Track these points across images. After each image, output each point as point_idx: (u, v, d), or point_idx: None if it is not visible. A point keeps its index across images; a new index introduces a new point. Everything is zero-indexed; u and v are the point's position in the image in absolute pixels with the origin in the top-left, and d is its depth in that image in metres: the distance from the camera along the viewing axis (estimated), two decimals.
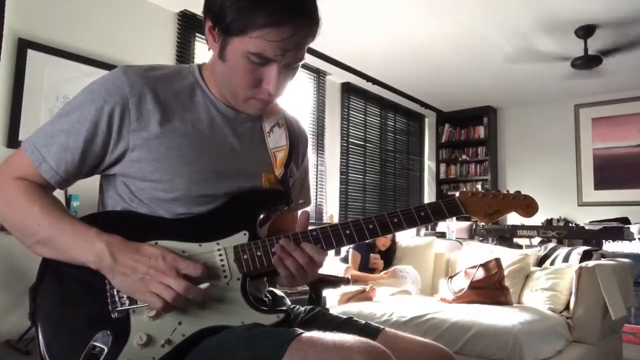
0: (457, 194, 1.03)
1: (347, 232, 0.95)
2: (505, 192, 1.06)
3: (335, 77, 5.36)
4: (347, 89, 5.58)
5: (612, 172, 5.71)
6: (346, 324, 1.03)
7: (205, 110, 0.98)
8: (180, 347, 0.84)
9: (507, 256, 2.90)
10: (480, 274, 2.66)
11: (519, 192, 1.06)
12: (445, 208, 0.99)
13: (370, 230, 0.96)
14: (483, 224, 4.02)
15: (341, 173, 5.45)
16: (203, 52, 4.06)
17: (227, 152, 0.98)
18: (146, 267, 0.82)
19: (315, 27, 0.91)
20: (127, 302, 0.85)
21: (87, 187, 1.29)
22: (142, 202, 0.93)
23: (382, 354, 0.76)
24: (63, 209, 0.90)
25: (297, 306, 1.11)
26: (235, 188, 0.97)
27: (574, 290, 2.51)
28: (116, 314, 0.84)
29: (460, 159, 6.66)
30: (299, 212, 1.18)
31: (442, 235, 5.22)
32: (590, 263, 2.54)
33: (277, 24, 0.84)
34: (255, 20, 0.84)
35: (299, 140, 1.14)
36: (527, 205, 1.04)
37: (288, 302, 1.11)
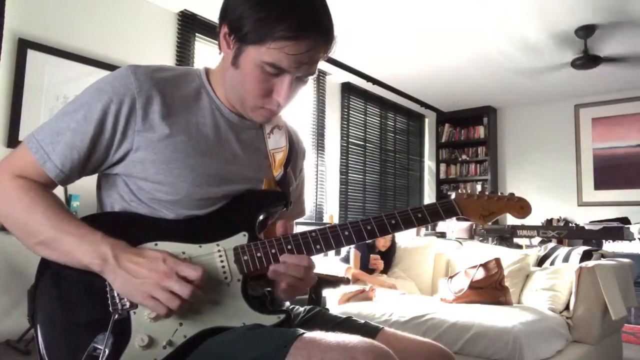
0: (453, 195, 1.06)
1: (346, 233, 0.96)
2: (499, 194, 1.09)
3: (335, 77, 5.36)
4: (347, 89, 5.58)
5: (612, 172, 5.72)
6: (345, 324, 1.03)
7: (210, 115, 0.98)
8: (181, 348, 0.84)
9: (507, 256, 2.90)
10: (480, 274, 2.66)
11: (512, 194, 1.09)
12: (441, 210, 1.02)
13: (369, 232, 0.97)
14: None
15: (341, 173, 5.45)
16: (203, 52, 4.06)
17: (229, 157, 0.98)
18: (146, 269, 0.82)
19: (331, 44, 0.92)
20: (128, 303, 0.85)
21: (87, 187, 1.29)
22: (141, 202, 0.92)
23: (385, 354, 0.76)
24: (67, 210, 0.89)
25: (297, 306, 1.11)
26: (236, 192, 0.97)
27: (574, 290, 2.51)
28: (117, 315, 0.84)
29: (460, 159, 6.66)
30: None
31: (443, 235, 5.21)
32: (590, 263, 2.54)
33: (296, 37, 0.85)
34: (274, 32, 0.85)
35: (298, 151, 1.15)
36: (521, 207, 1.08)
37: (287, 302, 1.11)
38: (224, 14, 0.91)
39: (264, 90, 0.92)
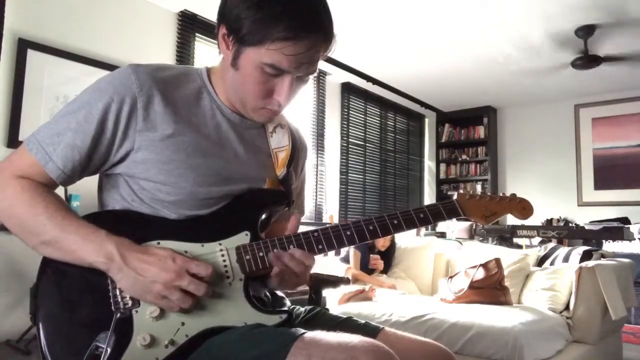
0: (455, 196, 1.06)
1: (348, 233, 0.96)
2: (501, 194, 1.09)
3: (335, 77, 5.36)
4: (347, 89, 5.58)
5: (612, 172, 5.71)
6: (346, 324, 1.03)
7: (211, 115, 0.98)
8: (183, 347, 0.84)
9: (507, 256, 2.91)
10: (480, 274, 2.66)
11: (514, 195, 1.09)
12: (443, 210, 1.02)
13: (371, 232, 0.97)
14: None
15: (341, 173, 5.45)
16: (203, 52, 4.06)
17: (231, 157, 0.98)
18: (157, 268, 0.82)
19: (330, 43, 0.92)
20: (130, 302, 0.85)
21: (87, 187, 1.29)
22: (143, 203, 0.92)
23: (386, 354, 0.76)
24: (68, 209, 0.89)
25: (297, 306, 1.11)
26: (238, 191, 0.97)
27: (574, 290, 2.51)
28: (119, 314, 0.84)
29: (460, 159, 6.66)
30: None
31: (443, 235, 5.21)
32: (590, 263, 2.54)
33: (295, 38, 0.85)
34: (273, 33, 0.84)
35: (300, 149, 1.15)
36: (523, 208, 1.08)
37: (288, 302, 1.11)
38: (222, 14, 0.90)
39: (265, 91, 0.92)
